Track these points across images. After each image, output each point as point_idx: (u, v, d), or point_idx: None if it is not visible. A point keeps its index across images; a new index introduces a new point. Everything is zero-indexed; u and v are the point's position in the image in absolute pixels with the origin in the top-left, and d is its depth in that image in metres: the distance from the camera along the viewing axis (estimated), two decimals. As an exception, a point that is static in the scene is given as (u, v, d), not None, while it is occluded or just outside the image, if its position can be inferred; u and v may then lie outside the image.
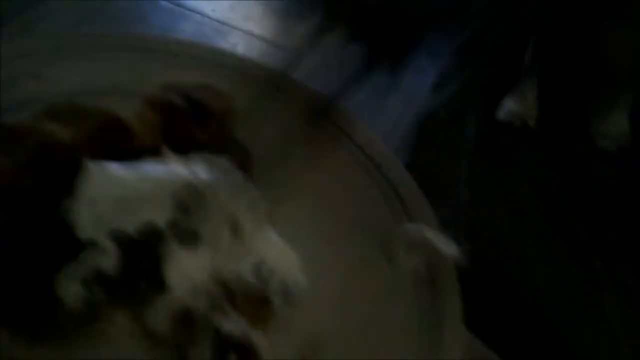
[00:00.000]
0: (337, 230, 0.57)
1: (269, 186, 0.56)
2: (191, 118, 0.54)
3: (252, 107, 0.54)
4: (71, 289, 0.49)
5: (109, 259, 0.51)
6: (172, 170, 0.55)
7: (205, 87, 0.54)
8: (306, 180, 0.57)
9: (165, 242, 0.55)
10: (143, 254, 0.55)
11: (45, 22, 1.75)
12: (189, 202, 0.54)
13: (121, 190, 0.53)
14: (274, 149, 0.58)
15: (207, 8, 1.88)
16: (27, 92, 0.52)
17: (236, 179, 0.56)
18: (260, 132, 0.55)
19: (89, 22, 1.77)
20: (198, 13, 1.85)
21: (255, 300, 0.53)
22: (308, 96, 0.55)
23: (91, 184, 0.53)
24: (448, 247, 0.65)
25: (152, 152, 0.54)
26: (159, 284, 0.52)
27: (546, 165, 0.99)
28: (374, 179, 0.61)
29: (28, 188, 0.52)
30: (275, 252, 0.54)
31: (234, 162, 0.55)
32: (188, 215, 0.55)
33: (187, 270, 0.51)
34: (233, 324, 0.49)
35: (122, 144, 0.51)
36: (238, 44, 1.79)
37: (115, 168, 0.54)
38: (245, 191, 0.56)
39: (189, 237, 0.56)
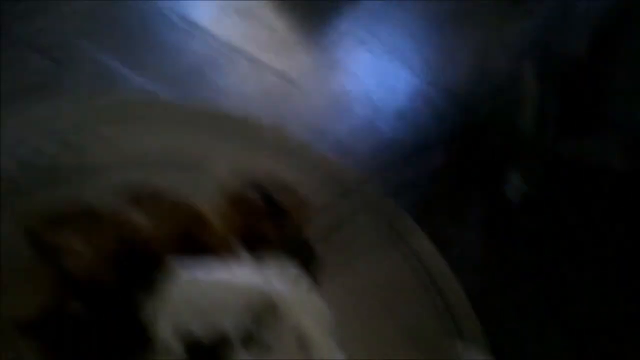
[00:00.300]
0: (389, 339, 0.58)
1: (329, 289, 0.57)
2: (268, 218, 0.54)
3: (323, 208, 0.55)
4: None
5: (175, 360, 0.51)
6: (248, 276, 0.55)
7: (281, 183, 0.54)
8: (361, 282, 0.58)
9: (233, 350, 0.55)
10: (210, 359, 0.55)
11: (54, 29, 1.71)
12: (262, 312, 0.55)
13: (199, 294, 0.53)
14: (340, 251, 0.59)
15: (219, 32, 1.86)
16: (97, 156, 0.52)
17: (305, 287, 0.56)
18: (329, 234, 0.56)
19: (102, 29, 1.73)
20: (210, 35, 1.83)
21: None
22: (381, 206, 0.56)
23: (171, 285, 0.53)
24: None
25: (227, 248, 0.55)
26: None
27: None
28: (428, 289, 0.62)
29: (108, 281, 0.51)
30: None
31: (301, 265, 0.56)
32: (259, 325, 0.55)
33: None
34: None
35: (200, 238, 0.51)
36: (246, 74, 1.78)
37: (195, 270, 0.54)
38: (314, 301, 0.56)
39: (257, 347, 0.56)
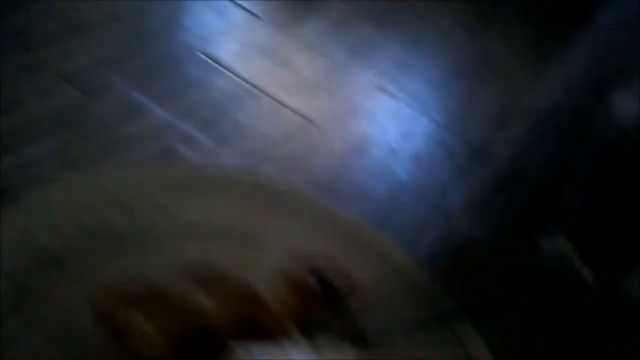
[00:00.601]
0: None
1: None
2: (324, 303, 0.54)
3: (373, 290, 0.55)
4: None
5: None
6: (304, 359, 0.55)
7: (337, 267, 0.55)
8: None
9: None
10: None
11: (83, 61, 1.75)
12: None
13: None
14: (389, 335, 0.59)
15: (242, 69, 1.90)
16: (159, 227, 0.52)
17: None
18: (378, 317, 0.56)
19: (128, 60, 1.77)
20: (233, 72, 1.87)
21: None
22: (433, 296, 0.55)
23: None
24: None
25: (284, 331, 0.55)
26: None
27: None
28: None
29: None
30: None
31: (351, 346, 0.56)
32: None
33: None
34: None
35: (259, 321, 0.52)
36: (266, 112, 1.81)
37: (255, 352, 0.54)
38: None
39: None
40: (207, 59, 1.92)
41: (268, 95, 1.89)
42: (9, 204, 0.70)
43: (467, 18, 2.88)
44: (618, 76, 1.34)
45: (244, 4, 2.26)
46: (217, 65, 1.91)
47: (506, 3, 3.20)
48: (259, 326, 0.51)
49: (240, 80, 1.90)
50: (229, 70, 1.91)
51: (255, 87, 1.90)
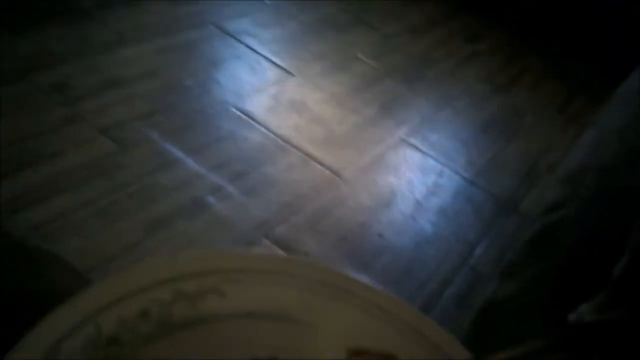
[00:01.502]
0: None
1: None
2: None
3: None
4: None
5: None
6: None
7: (387, 354, 0.56)
8: None
9: None
10: None
11: (118, 111, 1.82)
12: None
13: None
14: None
15: (273, 124, 1.95)
16: (209, 307, 0.54)
17: None
18: None
19: (162, 114, 1.84)
20: (264, 126, 1.91)
21: None
22: None
23: None
24: None
25: None
26: None
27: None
28: None
29: None
30: None
31: None
32: None
33: None
34: None
35: None
36: (296, 165, 1.85)
37: None
38: None
39: None
40: (240, 113, 1.97)
41: (298, 149, 1.93)
42: (43, 258, 0.73)
43: (495, 74, 2.92)
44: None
45: (277, 60, 2.33)
46: (249, 119, 1.96)
47: (536, 59, 3.24)
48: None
49: (271, 135, 1.94)
50: (260, 124, 1.96)
51: (285, 141, 1.94)
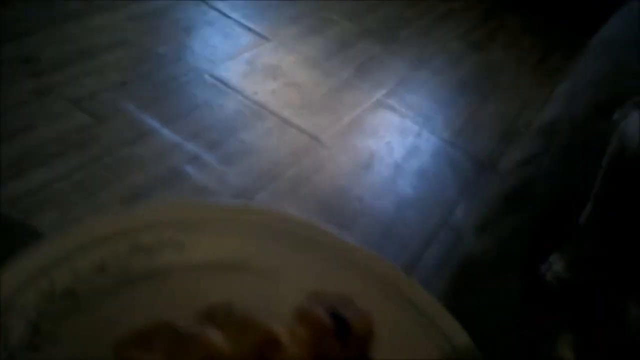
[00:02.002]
0: None
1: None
2: (336, 337, 0.55)
3: (392, 329, 0.55)
4: None
5: None
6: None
7: (349, 301, 0.55)
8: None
9: None
10: None
11: (92, 84, 1.79)
12: None
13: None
14: None
15: (249, 90, 1.93)
16: (167, 258, 0.53)
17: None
18: (396, 356, 0.56)
19: (135, 83, 1.80)
20: (239, 93, 1.89)
21: None
22: (453, 337, 0.55)
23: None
24: None
25: None
26: None
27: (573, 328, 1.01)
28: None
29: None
30: None
31: None
32: None
33: None
34: None
35: (274, 358, 0.52)
36: (273, 131, 1.83)
37: None
38: None
39: None
40: (215, 80, 1.95)
41: (274, 114, 1.91)
42: (21, 232, 0.72)
43: (470, 33, 2.90)
44: (623, 93, 1.35)
45: (250, 24, 2.29)
46: (224, 86, 1.94)
47: (511, 17, 3.22)
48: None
49: (247, 101, 1.92)
50: (235, 90, 1.94)
51: (262, 107, 1.92)
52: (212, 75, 1.96)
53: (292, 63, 2.18)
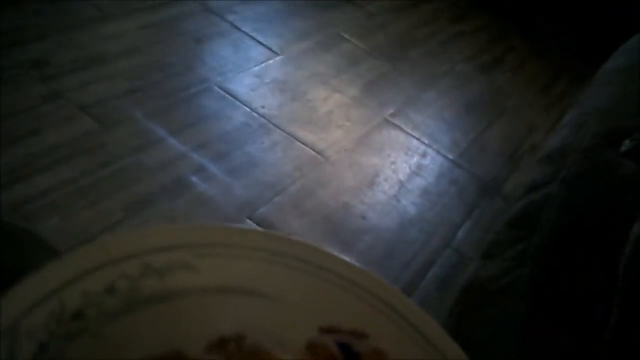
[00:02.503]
0: None
1: None
2: None
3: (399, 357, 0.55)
4: None
5: None
6: None
7: (363, 336, 0.54)
8: None
9: None
10: None
11: (100, 90, 1.79)
12: None
13: None
14: None
15: (257, 103, 1.93)
16: (179, 281, 0.53)
17: None
18: None
19: (144, 92, 1.81)
20: (247, 106, 1.90)
21: None
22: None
23: None
24: None
25: None
26: None
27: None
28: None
29: None
30: None
31: None
32: None
33: None
34: None
35: None
36: (279, 145, 1.83)
37: None
38: None
39: None
40: (223, 92, 1.95)
41: (281, 128, 1.92)
42: (21, 236, 0.72)
43: (479, 55, 2.91)
44: (631, 123, 1.35)
45: (261, 38, 2.30)
46: (232, 98, 1.94)
47: (520, 40, 3.23)
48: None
49: (254, 114, 1.92)
50: (243, 103, 1.94)
51: (269, 120, 1.93)
52: (220, 87, 1.96)
53: (300, 78, 2.18)
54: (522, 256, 1.10)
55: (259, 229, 0.46)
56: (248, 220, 1.56)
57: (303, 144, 1.90)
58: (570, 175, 1.20)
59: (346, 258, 0.57)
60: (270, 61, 2.21)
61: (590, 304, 0.91)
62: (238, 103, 1.93)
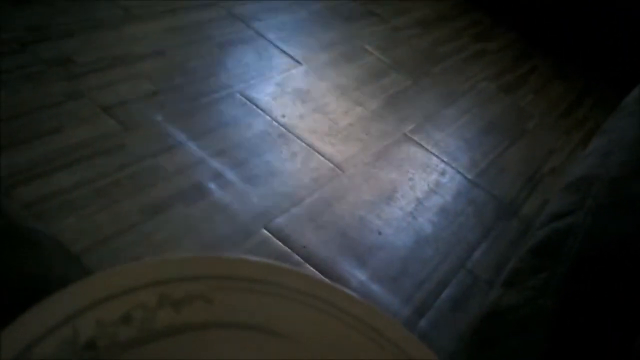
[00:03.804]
0: None
1: None
2: None
3: None
4: None
5: None
6: None
7: None
8: None
9: None
10: None
11: (126, 89, 1.79)
12: None
13: None
14: None
15: (278, 112, 1.93)
16: (194, 314, 0.52)
17: None
18: None
19: (167, 95, 1.80)
20: (268, 115, 1.89)
21: None
22: None
23: None
24: None
25: None
26: None
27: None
28: None
29: None
30: None
31: None
32: None
33: None
34: None
35: None
36: (298, 155, 1.82)
37: None
38: None
39: None
40: (245, 99, 1.95)
41: (301, 139, 1.91)
42: (35, 237, 0.71)
43: (502, 74, 2.90)
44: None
45: (284, 47, 2.30)
46: (253, 106, 1.94)
47: (543, 61, 3.22)
48: None
49: (274, 123, 1.92)
50: (264, 112, 1.93)
51: (289, 130, 1.92)
52: (242, 94, 1.96)
53: (322, 89, 2.18)
54: (544, 286, 1.08)
55: (275, 262, 0.45)
56: (264, 230, 1.55)
57: (322, 155, 1.89)
58: (596, 205, 1.18)
59: (353, 294, 0.56)
60: (293, 70, 2.20)
61: (614, 340, 0.89)
62: (259, 111, 1.93)
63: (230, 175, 1.66)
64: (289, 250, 1.52)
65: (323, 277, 1.38)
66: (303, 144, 1.90)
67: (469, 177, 2.09)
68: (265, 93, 2.02)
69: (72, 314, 0.47)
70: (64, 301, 0.47)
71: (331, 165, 1.87)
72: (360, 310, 0.57)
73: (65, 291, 0.48)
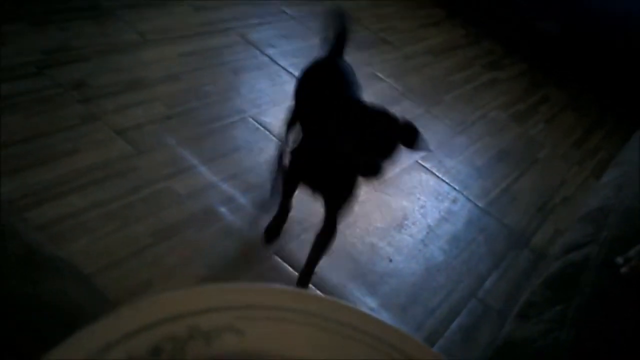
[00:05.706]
0: None
1: None
2: None
3: None
4: None
5: None
6: None
7: None
8: None
9: None
10: None
11: (140, 113, 1.80)
12: None
13: None
14: None
15: (289, 138, 1.92)
16: (224, 345, 0.52)
17: None
18: None
19: (180, 119, 1.82)
20: (280, 140, 1.88)
21: None
22: None
23: None
24: None
25: None
26: None
27: None
28: None
29: None
30: None
31: None
32: None
33: None
34: None
35: None
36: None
37: None
38: None
39: None
40: (257, 124, 1.96)
41: (312, 164, 1.90)
42: (46, 260, 0.71)
43: (514, 103, 2.90)
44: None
45: (297, 73, 2.31)
46: (265, 131, 1.95)
47: (555, 91, 3.22)
48: None
49: (287, 148, 1.92)
50: (277, 137, 1.94)
51: (300, 155, 1.91)
52: (255, 119, 1.97)
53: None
54: (560, 319, 1.07)
55: (298, 289, 0.45)
56: (275, 257, 1.54)
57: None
58: (611, 237, 1.17)
59: (380, 318, 0.56)
60: (305, 96, 2.21)
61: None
62: (271, 136, 1.93)
63: (242, 199, 1.67)
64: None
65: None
66: (315, 169, 1.90)
67: (480, 205, 2.08)
68: (277, 118, 2.02)
69: (103, 348, 0.47)
70: (95, 335, 0.47)
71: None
72: (388, 334, 0.56)
73: (95, 325, 0.47)
